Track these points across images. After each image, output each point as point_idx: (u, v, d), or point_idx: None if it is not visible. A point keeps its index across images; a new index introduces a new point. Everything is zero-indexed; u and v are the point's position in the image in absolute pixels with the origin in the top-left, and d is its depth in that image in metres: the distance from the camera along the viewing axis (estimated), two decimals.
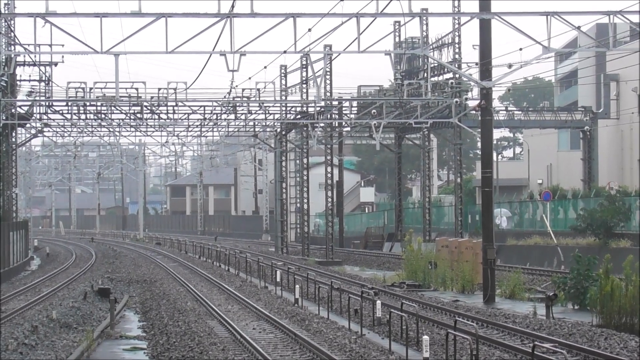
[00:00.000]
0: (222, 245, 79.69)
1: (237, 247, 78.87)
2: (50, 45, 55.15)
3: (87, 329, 28.45)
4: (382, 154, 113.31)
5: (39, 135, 75.78)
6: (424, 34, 63.40)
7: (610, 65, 70.06)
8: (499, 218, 62.92)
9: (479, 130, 39.96)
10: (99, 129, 73.57)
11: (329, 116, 69.06)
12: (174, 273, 53.39)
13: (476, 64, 50.74)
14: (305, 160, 72.36)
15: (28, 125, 71.04)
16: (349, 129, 75.58)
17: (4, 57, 58.71)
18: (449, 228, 70.75)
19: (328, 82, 67.76)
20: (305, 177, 72.52)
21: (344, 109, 70.19)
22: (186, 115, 67.26)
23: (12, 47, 60.64)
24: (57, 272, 56.98)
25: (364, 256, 69.18)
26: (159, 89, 62.19)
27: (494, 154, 65.07)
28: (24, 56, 61.61)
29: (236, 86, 61.35)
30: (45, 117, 67.68)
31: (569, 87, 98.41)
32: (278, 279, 41.98)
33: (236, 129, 76.80)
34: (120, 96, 59.06)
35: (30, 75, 65.10)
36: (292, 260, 63.41)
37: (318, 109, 67.21)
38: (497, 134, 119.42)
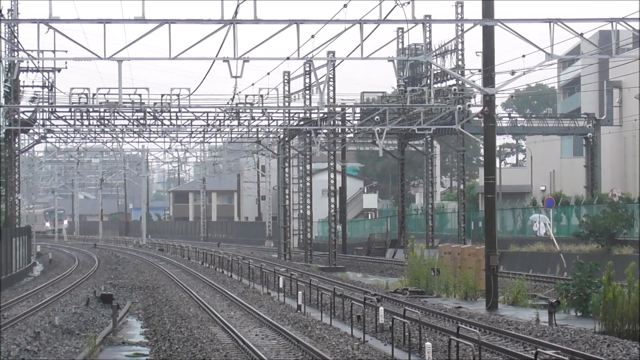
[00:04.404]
0: (224, 251, 79.67)
1: (239, 254, 78.85)
2: (54, 51, 55.27)
3: (89, 335, 28.44)
4: (385, 160, 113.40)
5: (42, 141, 75.86)
6: (427, 40, 63.47)
7: (613, 72, 70.18)
8: (537, 224, 61.94)
9: (482, 136, 39.97)
10: (102, 135, 73.64)
11: (332, 122, 69.07)
12: (176, 279, 53.39)
13: (479, 70, 50.72)
14: (308, 167, 72.37)
15: (31, 131, 71.10)
16: (352, 135, 75.59)
17: (7, 63, 58.79)
18: (452, 234, 70.72)
19: (331, 88, 67.79)
20: (308, 184, 72.53)
21: (347, 115, 70.20)
22: (189, 122, 67.30)
23: (16, 53, 60.72)
24: (60, 278, 56.99)
25: (366, 262, 69.15)
26: (162, 95, 62.25)
27: (497, 161, 65.17)
28: (27, 62, 61.69)
29: (239, 92, 61.41)
30: (48, 123, 67.73)
31: (572, 94, 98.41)
32: (281, 285, 41.96)
33: (239, 135, 76.84)
34: (124, 102, 59.09)
35: (33, 81, 65.23)
36: (295, 266, 63.40)
37: (321, 115, 67.24)
38: (500, 140, 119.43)
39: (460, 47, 63.86)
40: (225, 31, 34.67)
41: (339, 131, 72.15)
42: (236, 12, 34.44)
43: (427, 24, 58.30)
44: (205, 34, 34.97)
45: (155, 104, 62.77)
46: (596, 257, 44.15)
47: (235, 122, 68.67)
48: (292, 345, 26.47)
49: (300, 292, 36.51)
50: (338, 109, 68.79)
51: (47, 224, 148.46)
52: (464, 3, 62.33)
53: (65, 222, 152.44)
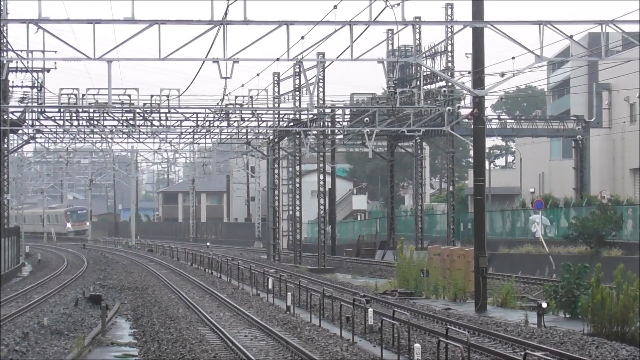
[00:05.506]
0: (214, 252, 79.60)
1: (229, 255, 78.79)
2: (43, 52, 55.13)
3: (78, 335, 28.40)
4: (374, 161, 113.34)
5: (31, 141, 75.64)
6: (417, 42, 63.49)
7: (602, 75, 70.28)
8: (535, 226, 61.37)
9: (472, 138, 40.00)
10: (92, 136, 73.44)
11: (321, 124, 69.06)
12: (165, 280, 53.33)
13: (469, 72, 50.79)
14: (297, 168, 72.34)
15: (20, 131, 70.91)
16: (341, 136, 75.59)
17: None
18: (441, 236, 70.76)
19: (321, 89, 67.75)
20: (297, 185, 72.49)
21: (336, 116, 70.21)
22: (179, 122, 67.22)
23: (5, 53, 60.54)
24: (49, 278, 56.88)
25: (356, 264, 69.15)
26: (152, 96, 62.14)
27: (487, 163, 65.14)
28: (17, 62, 61.51)
29: (229, 93, 61.27)
30: (37, 123, 67.54)
31: (562, 96, 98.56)
32: (270, 287, 41.94)
33: (229, 136, 76.77)
34: (113, 103, 58.98)
35: (22, 82, 65.02)
36: (284, 267, 63.37)
37: (311, 116, 67.22)
38: (490, 142, 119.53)
39: (450, 48, 63.87)
40: (215, 32, 34.63)
41: (329, 132, 72.16)
42: (226, 13, 34.42)
43: (417, 26, 58.29)
44: (195, 34, 34.96)
45: (144, 104, 62.67)
46: (585, 259, 44.23)
47: (224, 123, 68.59)
48: (281, 346, 26.47)
49: (289, 293, 36.50)
50: (328, 110, 68.78)
51: (69, 225, 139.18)
52: (454, 5, 62.42)
53: (87, 222, 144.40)
